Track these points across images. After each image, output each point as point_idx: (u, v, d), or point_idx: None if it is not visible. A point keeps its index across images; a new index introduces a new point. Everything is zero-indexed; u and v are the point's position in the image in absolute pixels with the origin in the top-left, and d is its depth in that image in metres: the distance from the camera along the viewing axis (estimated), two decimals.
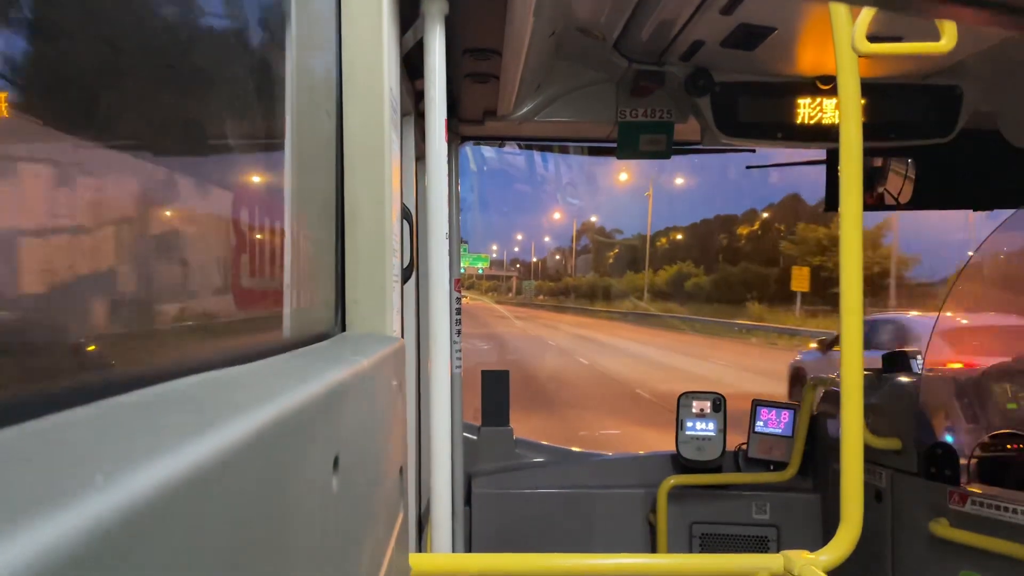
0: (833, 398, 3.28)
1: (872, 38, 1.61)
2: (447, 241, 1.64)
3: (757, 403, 3.45)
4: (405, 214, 1.99)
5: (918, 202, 3.25)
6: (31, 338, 0.42)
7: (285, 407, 0.50)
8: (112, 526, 0.27)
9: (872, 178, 3.27)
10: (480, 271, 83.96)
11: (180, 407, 0.47)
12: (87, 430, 0.37)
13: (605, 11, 2.32)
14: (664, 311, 44.94)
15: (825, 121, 2.66)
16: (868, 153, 1.93)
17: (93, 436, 0.36)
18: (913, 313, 12.53)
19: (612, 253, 71.00)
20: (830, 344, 12.13)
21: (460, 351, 3.10)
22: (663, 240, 63.80)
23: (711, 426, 3.34)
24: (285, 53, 0.90)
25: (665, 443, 3.62)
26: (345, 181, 1.26)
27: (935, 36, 1.69)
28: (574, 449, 3.73)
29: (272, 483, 0.47)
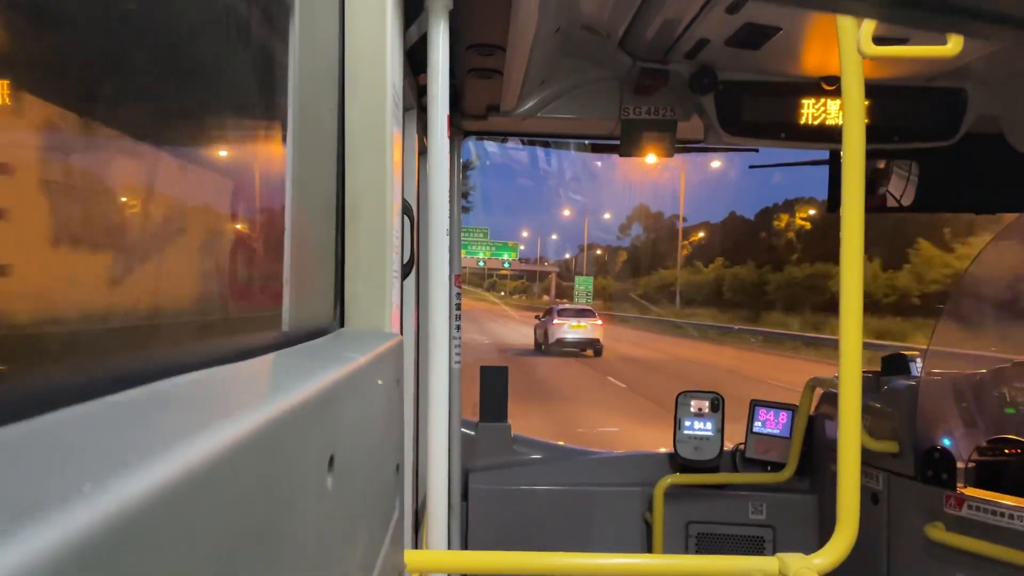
0: (831, 400, 3.28)
1: (878, 40, 1.61)
2: (448, 237, 1.64)
3: (755, 403, 3.44)
4: (406, 209, 1.98)
5: (920, 204, 3.24)
6: (22, 334, 0.42)
7: (281, 406, 0.50)
8: (106, 525, 0.27)
9: (875, 180, 3.26)
10: (506, 264, 62.64)
11: (176, 405, 0.46)
12: (80, 429, 0.37)
13: (610, 8, 2.31)
14: None
15: (829, 122, 2.65)
16: (871, 155, 1.92)
17: (86, 435, 0.36)
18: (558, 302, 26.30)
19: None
20: (541, 315, 24.15)
21: (459, 347, 3.09)
22: (784, 217, 44.65)
23: (709, 426, 3.33)
24: (288, 46, 0.89)
25: None
26: (346, 175, 1.25)
27: (941, 40, 1.69)
28: (572, 447, 3.73)
29: (267, 482, 0.47)
